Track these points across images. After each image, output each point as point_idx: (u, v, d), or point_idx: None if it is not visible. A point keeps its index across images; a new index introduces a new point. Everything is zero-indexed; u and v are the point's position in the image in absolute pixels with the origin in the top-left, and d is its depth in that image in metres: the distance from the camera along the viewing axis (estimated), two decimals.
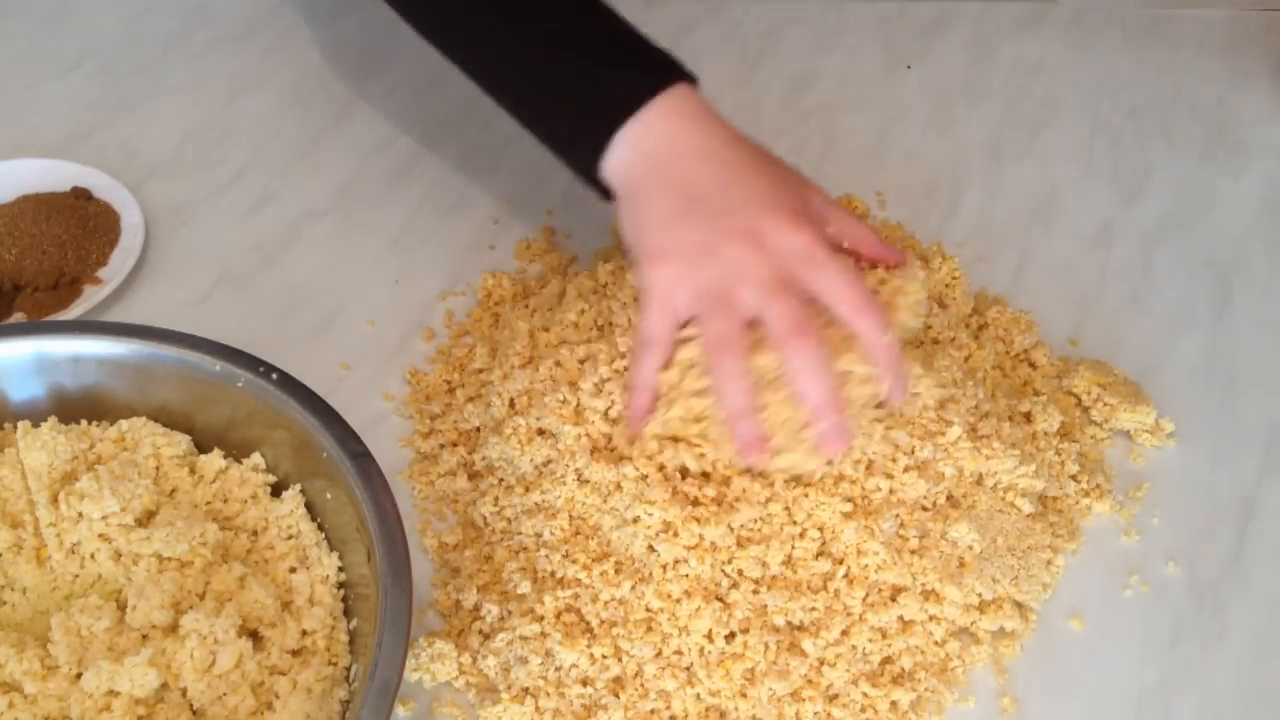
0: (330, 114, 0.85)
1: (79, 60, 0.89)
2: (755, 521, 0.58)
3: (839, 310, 0.58)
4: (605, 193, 0.63)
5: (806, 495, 0.58)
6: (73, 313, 0.71)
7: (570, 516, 0.60)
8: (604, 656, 0.57)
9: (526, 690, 0.57)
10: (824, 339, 0.57)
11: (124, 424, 0.61)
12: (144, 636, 0.54)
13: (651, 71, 0.62)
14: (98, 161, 0.79)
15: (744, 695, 0.56)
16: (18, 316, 0.72)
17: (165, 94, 0.87)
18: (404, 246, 0.77)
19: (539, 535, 0.60)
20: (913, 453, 0.60)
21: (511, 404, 0.64)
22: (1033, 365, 0.70)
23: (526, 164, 0.82)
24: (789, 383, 0.56)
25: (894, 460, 0.59)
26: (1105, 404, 0.67)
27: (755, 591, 0.57)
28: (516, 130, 0.82)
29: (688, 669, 0.56)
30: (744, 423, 0.57)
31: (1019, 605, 0.60)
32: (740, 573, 0.58)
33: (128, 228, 0.76)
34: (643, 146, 0.61)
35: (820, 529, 0.58)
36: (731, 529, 0.57)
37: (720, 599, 0.57)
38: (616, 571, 0.58)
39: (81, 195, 0.77)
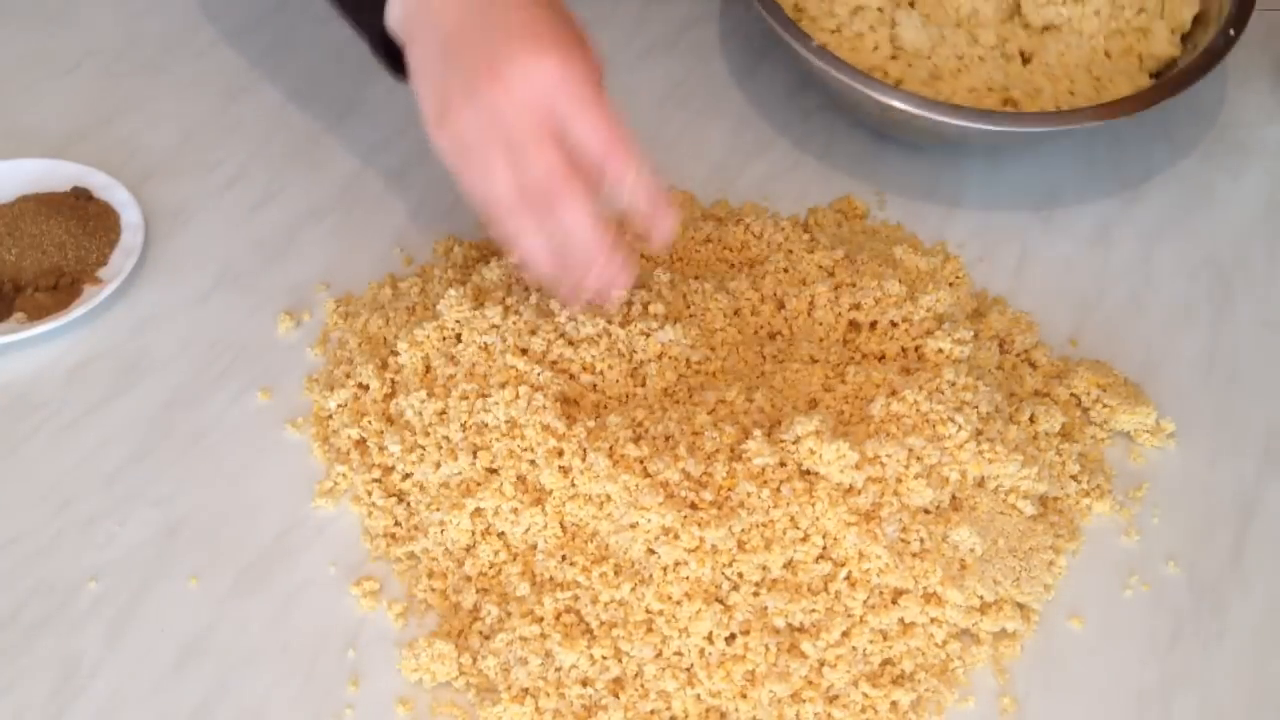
0: (330, 114, 0.85)
1: (79, 60, 0.89)
2: (757, 526, 0.58)
3: (588, 154, 0.56)
4: (399, 65, 0.61)
5: (813, 505, 0.58)
6: (73, 313, 0.71)
7: (563, 525, 0.60)
8: (604, 657, 0.57)
9: (526, 690, 0.57)
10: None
11: None
12: None
13: None
14: (98, 161, 0.79)
15: (744, 696, 0.56)
16: (18, 316, 0.72)
17: (165, 94, 0.87)
18: (404, 247, 0.77)
19: (533, 545, 0.60)
20: (922, 459, 0.60)
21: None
22: (1033, 365, 0.70)
23: None
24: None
25: (906, 467, 0.59)
26: (1105, 405, 0.67)
27: (756, 594, 0.58)
28: None
29: (688, 670, 0.56)
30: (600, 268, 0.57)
31: (1020, 606, 0.60)
32: (741, 575, 0.58)
33: (128, 228, 0.76)
34: (415, 3, 0.59)
35: (824, 535, 0.58)
36: (732, 532, 0.57)
37: (720, 601, 0.57)
38: (616, 573, 0.58)
39: (81, 195, 0.77)
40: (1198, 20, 0.80)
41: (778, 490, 0.58)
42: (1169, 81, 0.75)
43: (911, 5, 0.80)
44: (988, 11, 0.79)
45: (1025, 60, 0.79)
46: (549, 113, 0.55)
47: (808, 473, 0.59)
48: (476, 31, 0.57)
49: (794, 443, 0.59)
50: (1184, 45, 0.80)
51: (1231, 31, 0.76)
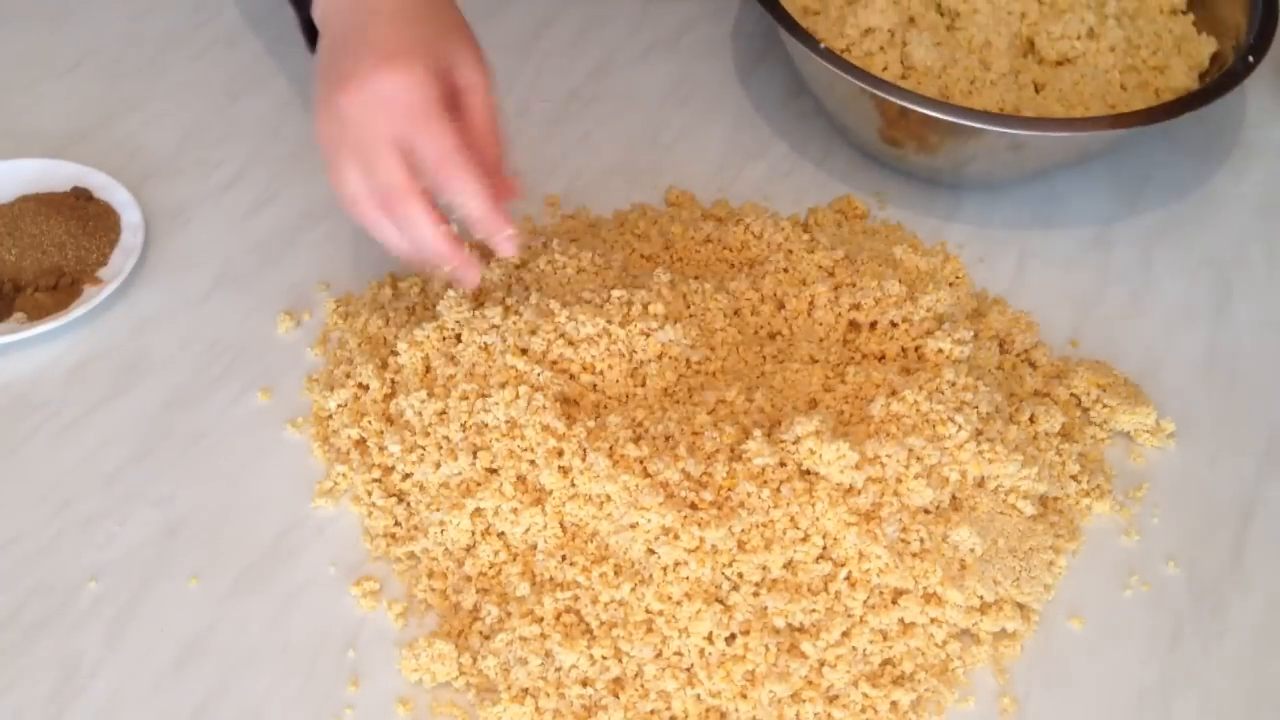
0: None
1: (79, 60, 0.89)
2: (757, 526, 0.58)
3: (425, 167, 0.58)
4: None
5: (813, 505, 0.58)
6: (73, 313, 0.71)
7: (562, 525, 0.60)
8: (604, 657, 0.57)
9: (526, 691, 0.57)
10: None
11: None
12: None
13: None
14: (98, 161, 0.79)
15: (744, 696, 0.56)
16: (18, 317, 0.72)
17: (165, 94, 0.87)
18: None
19: (533, 545, 0.60)
20: (922, 459, 0.60)
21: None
22: (1033, 365, 0.70)
23: (525, 165, 0.82)
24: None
25: (906, 467, 0.59)
26: (1105, 405, 0.67)
27: (756, 594, 0.57)
28: (515, 131, 0.82)
29: (688, 670, 0.56)
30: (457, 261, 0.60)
31: (1020, 606, 0.60)
32: (740, 575, 0.58)
33: (128, 228, 0.76)
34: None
35: (824, 535, 0.58)
36: (732, 532, 0.57)
37: (720, 601, 0.57)
38: (616, 573, 0.58)
39: (81, 195, 0.77)
40: (1215, 59, 0.79)
41: (778, 490, 0.58)
42: (1186, 98, 0.73)
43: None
44: (1000, 45, 0.78)
45: (1038, 90, 0.78)
46: (391, 123, 0.58)
47: (808, 473, 0.59)
48: (351, 42, 0.60)
49: (794, 443, 0.59)
50: (1201, 82, 0.79)
51: (1250, 58, 0.75)
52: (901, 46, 0.78)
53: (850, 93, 0.75)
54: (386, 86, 0.57)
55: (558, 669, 0.57)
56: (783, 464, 0.59)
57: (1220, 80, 0.75)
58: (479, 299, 0.67)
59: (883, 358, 0.67)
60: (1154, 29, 0.80)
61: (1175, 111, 0.72)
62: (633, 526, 0.58)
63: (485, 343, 0.64)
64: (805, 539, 0.58)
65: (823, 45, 0.74)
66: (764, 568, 0.58)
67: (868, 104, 0.74)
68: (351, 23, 0.61)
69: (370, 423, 0.65)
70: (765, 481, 0.59)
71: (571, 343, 0.64)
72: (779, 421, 0.62)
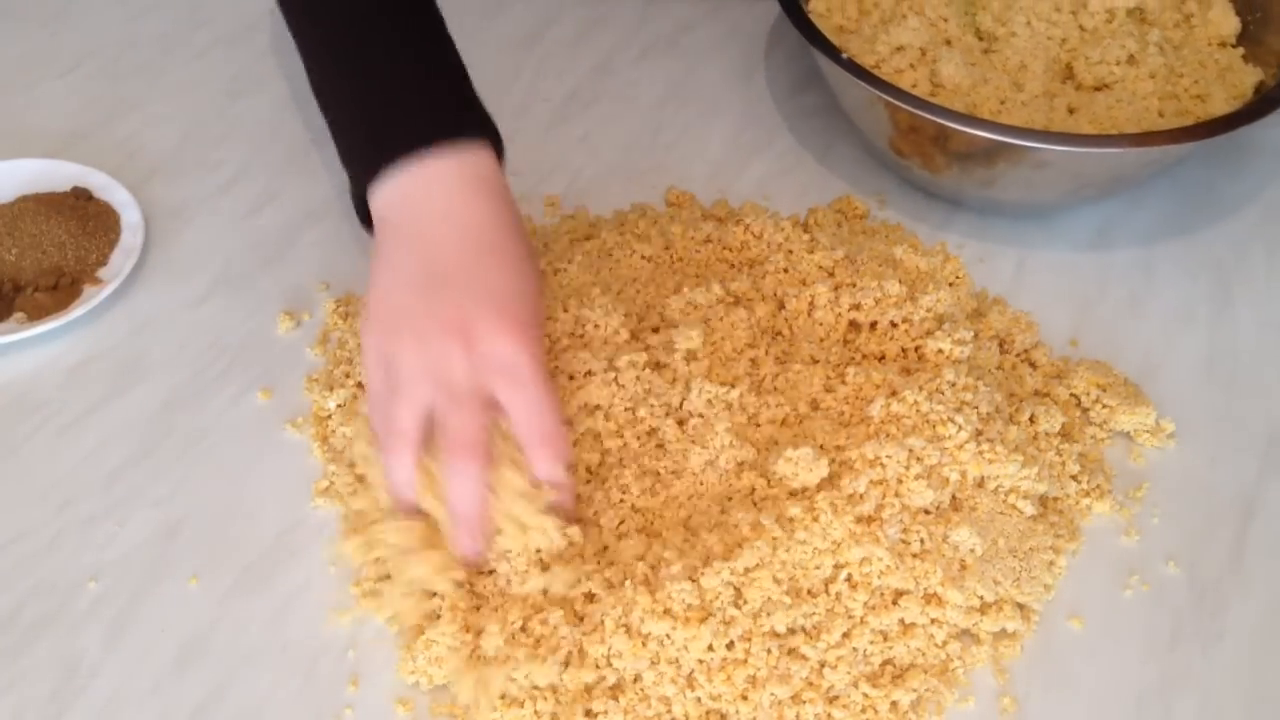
0: None
1: (79, 60, 0.89)
2: (764, 564, 0.58)
3: (520, 436, 0.58)
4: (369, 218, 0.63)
5: (817, 520, 0.58)
6: (73, 313, 0.71)
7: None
8: (599, 666, 0.57)
9: (526, 692, 0.57)
10: (492, 456, 0.57)
11: None
12: None
13: (465, 118, 0.61)
14: (98, 161, 0.79)
15: (745, 698, 0.56)
16: (18, 317, 0.72)
17: (165, 94, 0.87)
18: None
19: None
20: (922, 459, 0.60)
21: None
22: (1033, 365, 0.70)
23: (525, 165, 0.82)
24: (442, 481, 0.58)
25: (906, 468, 0.59)
26: (1105, 405, 0.67)
27: (757, 616, 0.57)
28: (515, 131, 0.82)
29: (688, 675, 0.56)
30: (466, 531, 0.58)
31: (1020, 606, 0.60)
32: (744, 600, 0.57)
33: (128, 228, 0.76)
34: (414, 191, 0.60)
35: (832, 544, 0.58)
36: (734, 571, 0.57)
37: (719, 614, 0.57)
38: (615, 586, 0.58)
39: (81, 195, 0.77)
40: (1258, 89, 0.77)
41: (789, 527, 0.58)
42: (1223, 119, 0.71)
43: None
44: (1037, 69, 0.77)
45: (1070, 112, 0.76)
46: (490, 381, 0.57)
47: (796, 491, 0.60)
48: (464, 273, 0.58)
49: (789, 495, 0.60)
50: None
51: None
52: (931, 64, 0.77)
53: (886, 111, 0.73)
54: (511, 346, 0.57)
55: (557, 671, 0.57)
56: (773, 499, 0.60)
57: (1259, 103, 0.73)
58: None
59: (883, 358, 0.67)
60: (1198, 59, 0.78)
61: (1210, 132, 0.70)
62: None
63: None
64: (814, 554, 0.58)
65: (846, 56, 0.73)
66: (769, 599, 0.57)
67: (923, 131, 0.72)
68: (459, 251, 0.59)
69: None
70: (763, 530, 0.58)
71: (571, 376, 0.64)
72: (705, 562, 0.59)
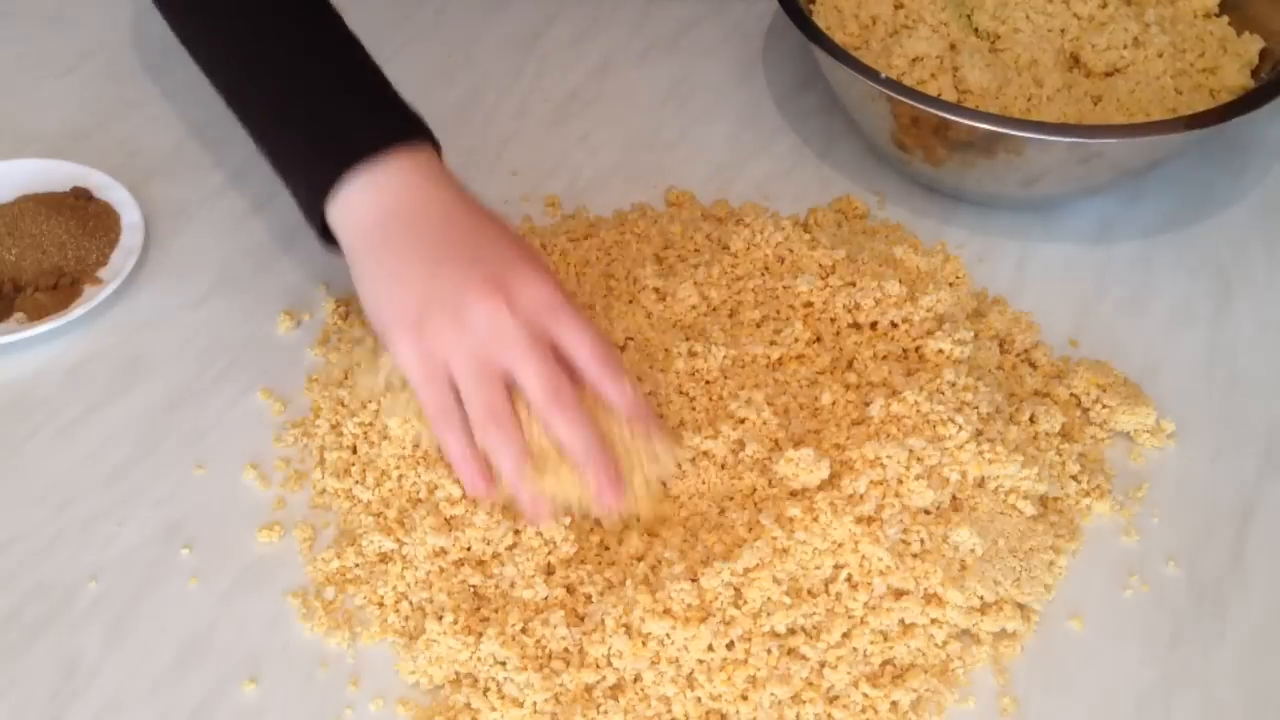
0: None
1: (79, 60, 0.89)
2: (765, 564, 0.58)
3: (580, 367, 0.58)
4: (326, 233, 0.62)
5: (816, 520, 0.58)
6: (73, 313, 0.71)
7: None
8: (605, 658, 0.57)
9: (526, 692, 0.57)
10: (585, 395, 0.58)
11: None
12: None
13: (407, 118, 0.62)
14: (98, 161, 0.79)
15: (745, 699, 0.56)
16: (18, 317, 0.72)
17: (165, 94, 0.87)
18: None
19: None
20: (922, 460, 0.60)
21: None
22: (1033, 365, 0.70)
23: (525, 165, 0.82)
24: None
25: (906, 468, 0.59)
26: (1105, 405, 0.67)
27: (757, 615, 0.57)
28: (515, 131, 0.82)
29: (688, 675, 0.56)
30: (602, 472, 0.57)
31: (1020, 606, 0.60)
32: (741, 593, 0.57)
33: (128, 228, 0.76)
34: (381, 197, 0.60)
35: (833, 545, 0.58)
36: (735, 572, 0.57)
37: (719, 614, 0.57)
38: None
39: (81, 195, 0.77)
40: (1264, 54, 0.78)
41: (789, 527, 0.58)
42: (1242, 99, 0.72)
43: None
44: (1047, 62, 0.78)
45: (1095, 102, 0.77)
46: (543, 323, 0.57)
47: (797, 492, 0.60)
48: (465, 246, 0.59)
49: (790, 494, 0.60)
50: (1255, 78, 0.77)
51: None
52: (953, 71, 0.77)
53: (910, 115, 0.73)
54: (546, 283, 0.57)
55: (558, 672, 0.57)
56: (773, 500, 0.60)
57: (1272, 82, 0.73)
58: None
59: (883, 358, 0.67)
60: (1195, 33, 0.80)
61: (1239, 110, 0.70)
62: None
63: None
64: (814, 554, 0.58)
65: (883, 76, 0.72)
66: (769, 599, 0.57)
67: (946, 132, 0.72)
68: (449, 233, 0.59)
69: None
70: (763, 530, 0.58)
71: None
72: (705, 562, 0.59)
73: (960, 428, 0.61)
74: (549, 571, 0.59)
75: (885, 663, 0.58)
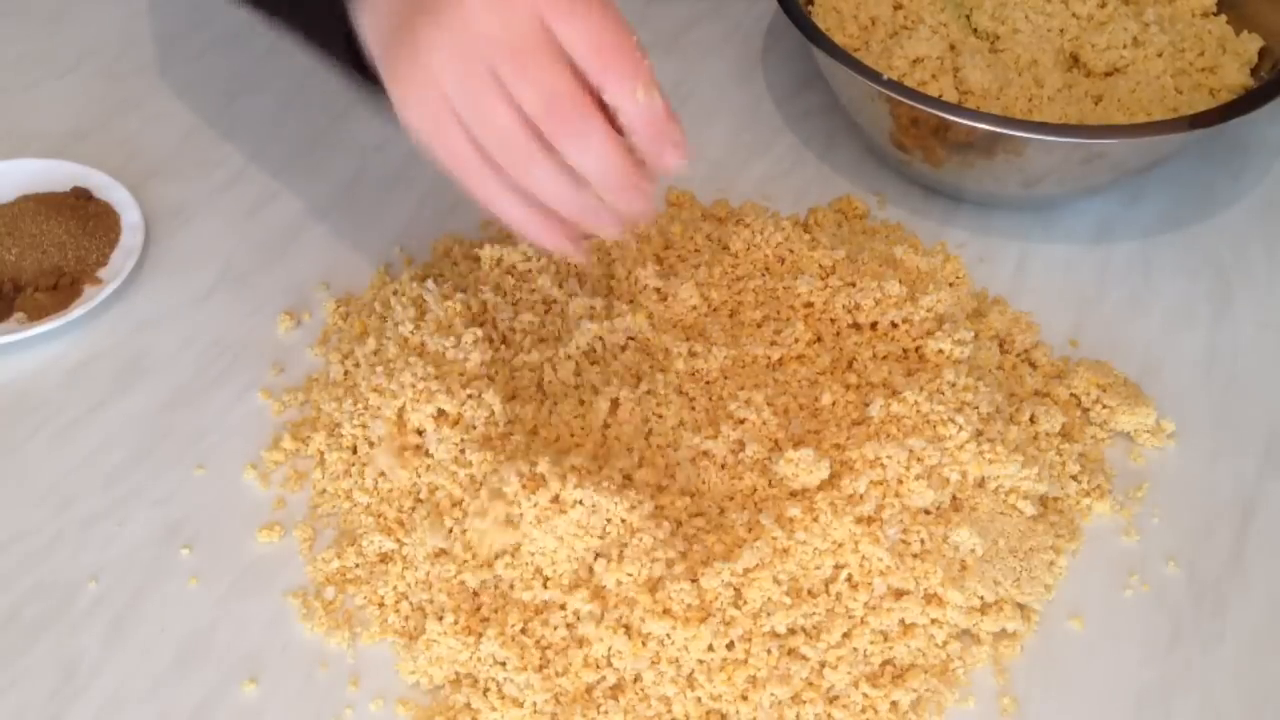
0: (330, 114, 0.85)
1: (79, 60, 0.89)
2: (764, 564, 0.58)
3: (578, 62, 0.46)
4: (361, 67, 0.54)
5: (816, 520, 0.58)
6: (73, 313, 0.71)
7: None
8: (605, 657, 0.57)
9: (525, 692, 0.57)
10: (589, 108, 0.47)
11: None
12: None
13: None
14: (98, 161, 0.79)
15: (745, 699, 0.56)
16: (18, 317, 0.72)
17: (165, 94, 0.87)
18: (404, 246, 0.77)
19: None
20: (922, 460, 0.60)
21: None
22: (1033, 365, 0.70)
23: None
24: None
25: (906, 468, 0.59)
26: (1105, 405, 0.67)
27: (757, 616, 0.57)
28: None
29: (688, 675, 0.56)
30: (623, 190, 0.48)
31: (1020, 606, 0.60)
32: (741, 593, 0.57)
33: (128, 228, 0.76)
34: None
35: (833, 545, 0.58)
36: (735, 571, 0.57)
37: (719, 615, 0.57)
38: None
39: (81, 195, 0.77)
40: (1263, 53, 0.78)
41: (791, 530, 0.58)
42: (1243, 99, 0.72)
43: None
44: (1047, 62, 0.78)
45: (1095, 102, 0.77)
46: (540, 12, 0.46)
47: (797, 492, 0.60)
48: None
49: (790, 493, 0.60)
50: (1255, 77, 0.78)
51: None
52: (954, 72, 0.77)
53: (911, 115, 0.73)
54: None
55: (557, 673, 0.57)
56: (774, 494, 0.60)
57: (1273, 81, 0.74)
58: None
59: (883, 358, 0.67)
60: (1193, 32, 0.80)
61: (1244, 109, 0.70)
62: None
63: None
64: (814, 554, 0.58)
65: (885, 78, 0.72)
66: (769, 599, 0.57)
67: (949, 132, 0.72)
68: None
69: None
70: (763, 530, 0.58)
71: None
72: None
73: (960, 428, 0.61)
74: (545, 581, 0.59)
75: (885, 663, 0.58)
